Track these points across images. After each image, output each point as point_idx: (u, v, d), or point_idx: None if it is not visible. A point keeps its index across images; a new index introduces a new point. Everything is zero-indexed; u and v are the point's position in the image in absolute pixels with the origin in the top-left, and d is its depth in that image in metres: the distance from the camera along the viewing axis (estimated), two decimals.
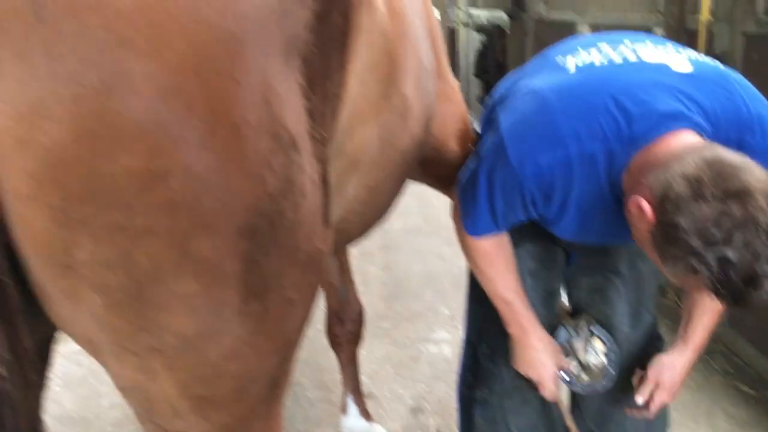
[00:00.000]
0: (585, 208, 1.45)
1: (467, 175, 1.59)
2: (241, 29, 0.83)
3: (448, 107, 1.89)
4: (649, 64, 1.42)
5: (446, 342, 3.37)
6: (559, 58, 1.55)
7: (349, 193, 1.33)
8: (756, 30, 2.86)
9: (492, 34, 6.82)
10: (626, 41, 1.51)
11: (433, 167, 1.90)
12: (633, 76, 1.39)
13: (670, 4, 3.27)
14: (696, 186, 1.16)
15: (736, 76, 1.45)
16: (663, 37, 3.30)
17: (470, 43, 8.27)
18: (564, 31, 4.90)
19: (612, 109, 1.34)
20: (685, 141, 1.29)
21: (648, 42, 1.51)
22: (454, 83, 2.01)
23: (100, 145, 0.77)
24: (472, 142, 1.97)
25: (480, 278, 1.73)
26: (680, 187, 1.18)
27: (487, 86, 6.97)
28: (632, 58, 1.44)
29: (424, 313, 3.69)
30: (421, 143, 1.57)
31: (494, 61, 6.77)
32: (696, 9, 3.11)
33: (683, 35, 3.20)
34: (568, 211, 1.46)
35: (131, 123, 0.78)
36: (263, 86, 0.87)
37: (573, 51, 1.54)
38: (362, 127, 1.25)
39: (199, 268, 0.87)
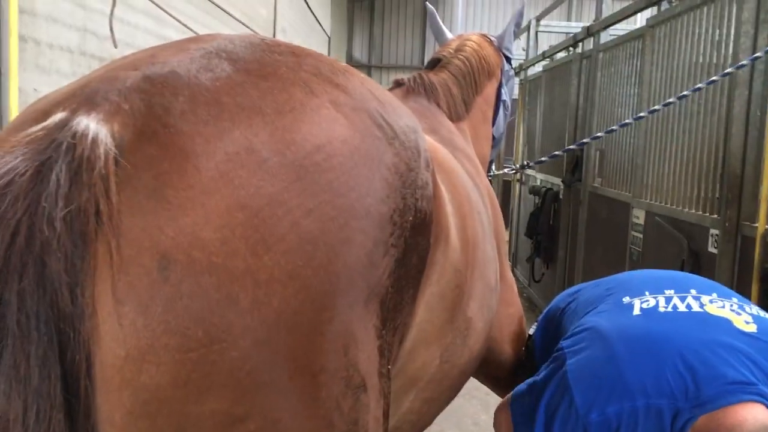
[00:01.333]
0: None
1: (525, 403, 1.62)
2: (333, 287, 0.91)
3: (506, 310, 1.94)
4: (713, 318, 1.48)
5: None
6: (626, 299, 1.62)
7: (404, 406, 1.37)
8: None
9: (546, 197, 6.96)
10: (693, 291, 1.59)
11: (484, 366, 1.92)
12: (698, 331, 1.45)
13: (726, 208, 3.33)
14: None
15: None
16: (719, 239, 3.34)
17: (524, 200, 8.45)
18: (616, 209, 4.97)
19: (679, 366, 1.39)
20: (755, 418, 1.33)
21: (714, 294, 1.58)
22: (512, 282, 2.08)
23: (193, 388, 0.84)
24: (524, 345, 2.01)
25: None
26: None
27: (537, 247, 7.03)
28: (696, 308, 1.50)
29: None
30: (480, 356, 1.61)
31: (546, 224, 6.87)
32: (754, 217, 3.16)
33: (738, 242, 3.24)
34: None
35: (224, 371, 0.85)
36: (344, 336, 0.94)
37: (640, 293, 1.61)
38: (425, 349, 1.30)
39: None
